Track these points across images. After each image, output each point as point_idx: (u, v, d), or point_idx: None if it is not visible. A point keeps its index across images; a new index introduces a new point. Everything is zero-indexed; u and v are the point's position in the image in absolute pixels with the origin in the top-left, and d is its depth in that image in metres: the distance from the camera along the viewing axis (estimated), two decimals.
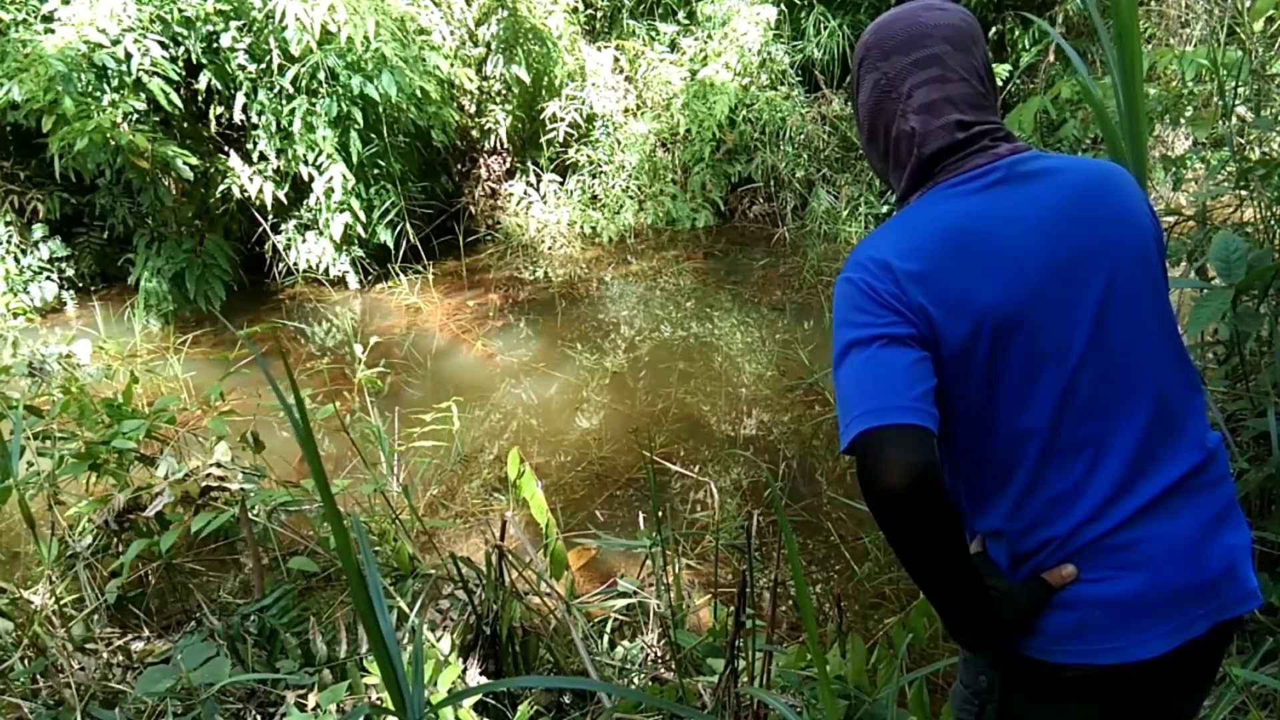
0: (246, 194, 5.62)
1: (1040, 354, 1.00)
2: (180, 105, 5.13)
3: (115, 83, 4.85)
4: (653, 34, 7.38)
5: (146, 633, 2.24)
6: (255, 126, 5.56)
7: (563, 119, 6.88)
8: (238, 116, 5.43)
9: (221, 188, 5.58)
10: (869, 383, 0.96)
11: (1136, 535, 1.00)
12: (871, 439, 0.93)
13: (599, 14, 7.74)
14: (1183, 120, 3.32)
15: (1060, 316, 1.00)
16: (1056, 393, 1.00)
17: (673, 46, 7.34)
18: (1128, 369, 1.02)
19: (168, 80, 4.97)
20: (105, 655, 2.08)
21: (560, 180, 7.20)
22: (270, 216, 5.80)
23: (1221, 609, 1.02)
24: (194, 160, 5.20)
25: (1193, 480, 1.03)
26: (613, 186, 7.05)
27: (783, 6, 7.08)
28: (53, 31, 4.83)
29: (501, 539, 1.96)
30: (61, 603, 2.25)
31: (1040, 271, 1.00)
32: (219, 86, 5.34)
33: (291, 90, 5.37)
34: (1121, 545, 1.00)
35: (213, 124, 5.62)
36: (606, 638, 2.20)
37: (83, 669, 2.00)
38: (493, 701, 1.84)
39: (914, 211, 1.08)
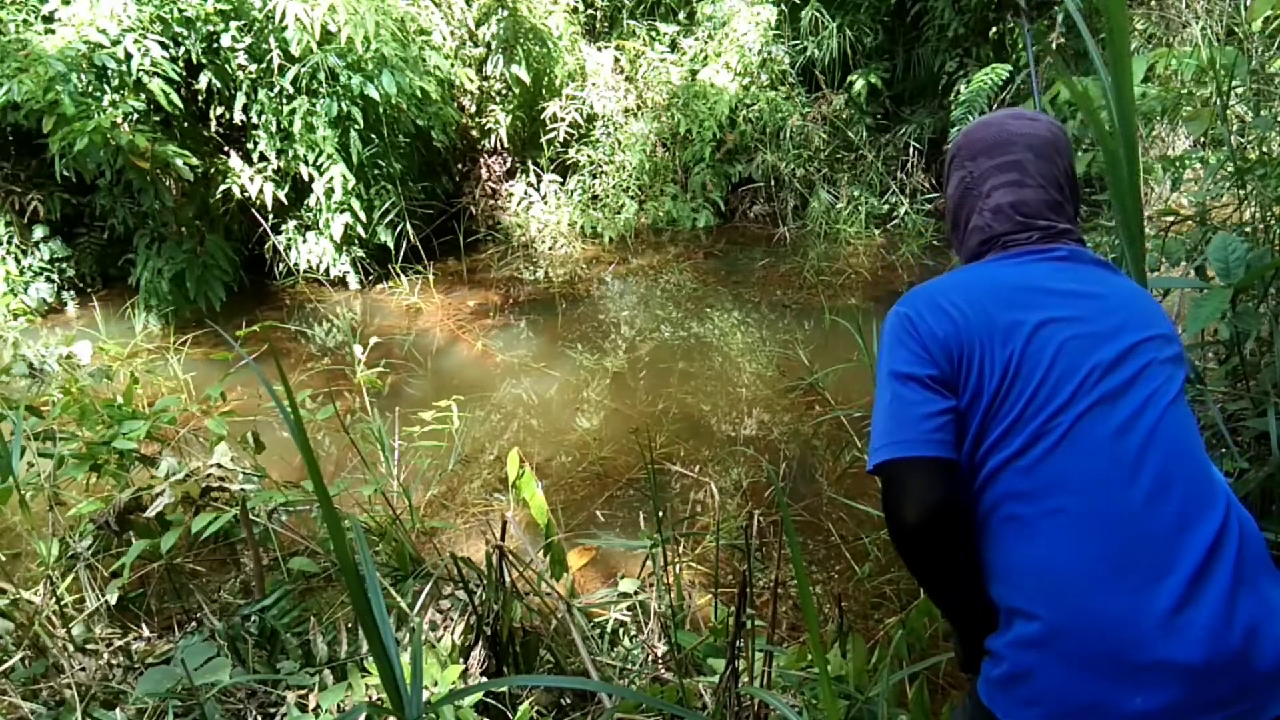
0: (247, 194, 5.62)
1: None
2: (180, 105, 5.13)
3: (115, 83, 4.86)
4: (653, 34, 7.38)
5: (147, 633, 2.24)
6: (255, 127, 5.56)
7: (563, 119, 6.88)
8: (238, 117, 5.43)
9: (222, 188, 5.58)
10: (900, 413, 1.05)
11: None
12: (895, 470, 1.03)
13: (599, 14, 7.74)
14: (1180, 119, 3.31)
15: (1077, 360, 1.08)
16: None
17: (673, 46, 7.34)
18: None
19: (168, 80, 4.97)
20: (106, 656, 2.08)
21: (560, 180, 7.20)
22: (270, 217, 5.80)
23: None
24: (194, 160, 5.20)
25: None
26: (613, 186, 7.06)
27: (782, 6, 7.08)
28: (53, 31, 4.83)
29: (502, 539, 1.96)
30: (62, 603, 2.25)
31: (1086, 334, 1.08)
32: (219, 86, 5.34)
33: (291, 90, 5.37)
34: None
35: (213, 124, 5.63)
36: (607, 638, 2.20)
37: (83, 669, 2.00)
38: (493, 702, 1.84)
39: (975, 267, 1.19)
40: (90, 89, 4.78)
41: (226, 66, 5.31)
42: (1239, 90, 3.01)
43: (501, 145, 7.00)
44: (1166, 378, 1.06)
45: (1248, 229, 2.49)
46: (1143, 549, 0.97)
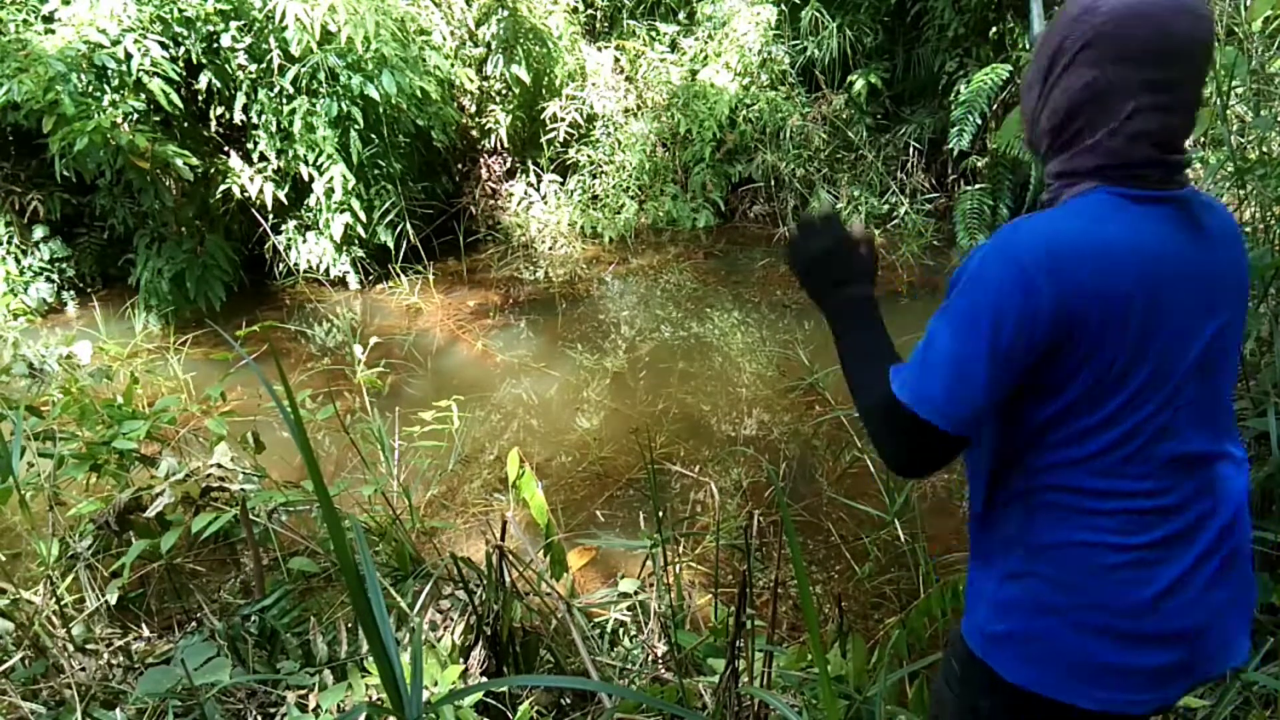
0: (247, 194, 5.63)
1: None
2: (180, 105, 5.14)
3: (115, 83, 4.86)
4: (653, 34, 7.38)
5: (147, 633, 2.24)
6: (255, 127, 5.56)
7: (563, 119, 6.88)
8: (238, 117, 5.43)
9: (222, 188, 5.59)
10: (962, 377, 0.96)
11: None
12: (918, 426, 0.98)
13: (599, 14, 7.74)
14: None
15: (1177, 356, 1.02)
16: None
17: (673, 46, 7.34)
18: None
19: (168, 80, 4.97)
20: (106, 656, 2.08)
21: (560, 180, 7.20)
22: (270, 217, 5.81)
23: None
24: (194, 160, 5.20)
25: None
26: (613, 186, 7.06)
27: (782, 6, 7.08)
28: (53, 31, 4.83)
29: (502, 539, 1.96)
30: (62, 603, 2.25)
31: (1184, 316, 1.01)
32: (219, 86, 5.34)
33: (291, 90, 5.38)
34: None
35: (213, 124, 5.63)
36: (607, 638, 2.20)
37: (83, 669, 2.00)
38: (493, 702, 1.85)
39: (1093, 219, 0.98)
40: (90, 89, 4.78)
41: (226, 66, 5.31)
42: (1239, 90, 3.01)
43: (501, 145, 7.00)
44: (1231, 366, 1.08)
45: (1248, 229, 2.49)
46: (1170, 545, 1.02)
